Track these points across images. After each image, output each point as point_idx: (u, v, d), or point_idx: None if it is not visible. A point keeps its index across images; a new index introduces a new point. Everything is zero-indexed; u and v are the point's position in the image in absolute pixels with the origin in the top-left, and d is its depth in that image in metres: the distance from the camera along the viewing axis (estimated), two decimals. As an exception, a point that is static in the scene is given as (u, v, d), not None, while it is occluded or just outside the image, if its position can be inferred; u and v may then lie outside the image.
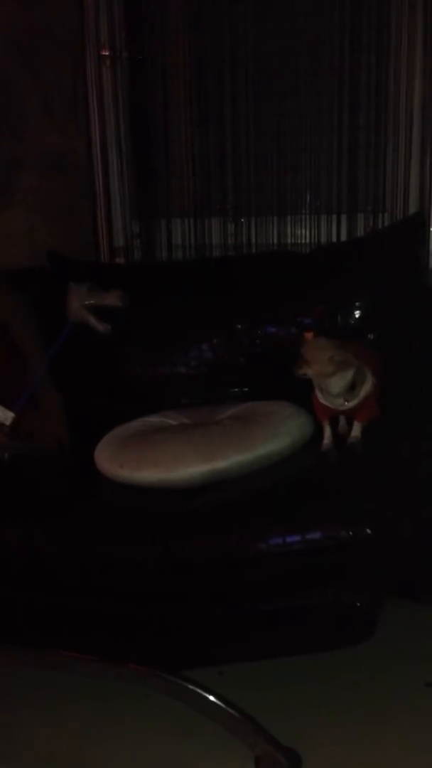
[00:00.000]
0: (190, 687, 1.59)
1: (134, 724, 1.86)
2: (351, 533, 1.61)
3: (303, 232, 2.69)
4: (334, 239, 2.65)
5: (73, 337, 2.31)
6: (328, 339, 1.93)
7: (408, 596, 2.05)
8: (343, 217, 2.64)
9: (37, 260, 2.53)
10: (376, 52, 2.50)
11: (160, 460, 1.87)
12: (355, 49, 2.52)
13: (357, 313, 2.26)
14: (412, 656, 2.03)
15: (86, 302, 2.32)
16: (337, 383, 1.88)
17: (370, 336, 2.24)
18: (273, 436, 1.94)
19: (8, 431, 1.87)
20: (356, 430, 1.93)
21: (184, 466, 1.85)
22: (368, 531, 1.61)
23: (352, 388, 1.89)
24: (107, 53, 2.69)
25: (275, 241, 2.69)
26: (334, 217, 2.65)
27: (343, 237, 2.64)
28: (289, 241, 2.69)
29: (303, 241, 2.69)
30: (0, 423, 1.88)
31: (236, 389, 2.32)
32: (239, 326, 2.34)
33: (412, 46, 2.45)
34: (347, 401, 1.90)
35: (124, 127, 2.76)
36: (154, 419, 2.15)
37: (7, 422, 1.88)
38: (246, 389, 2.31)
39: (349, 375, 1.87)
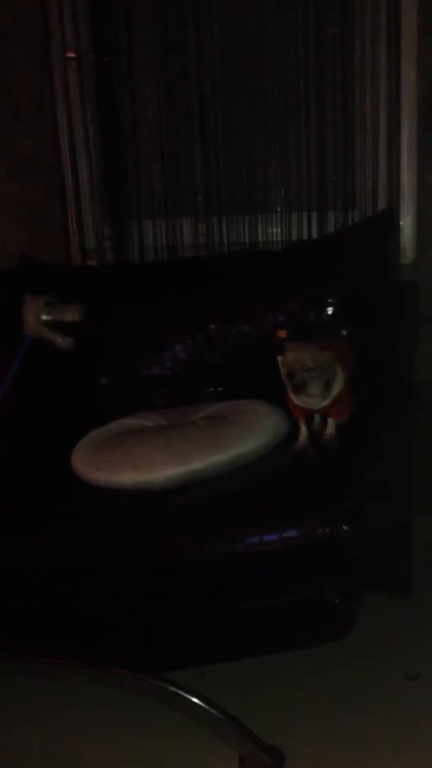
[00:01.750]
0: (173, 689, 1.60)
1: (116, 726, 1.86)
2: (327, 530, 1.62)
3: (274, 230, 2.69)
4: (305, 237, 2.65)
5: (32, 352, 2.23)
6: (301, 344, 1.93)
7: (386, 590, 2.07)
8: (314, 215, 2.64)
9: (8, 264, 2.52)
10: (341, 50, 2.51)
11: (137, 462, 1.88)
12: (320, 46, 2.53)
13: (329, 310, 2.28)
14: (392, 650, 2.05)
15: (43, 317, 2.22)
16: (319, 383, 1.88)
17: (343, 332, 2.25)
18: (249, 435, 1.95)
19: None
20: (331, 427, 1.94)
21: (161, 468, 1.85)
22: (344, 528, 1.62)
23: (326, 386, 1.90)
24: (73, 55, 2.67)
25: (247, 239, 2.69)
26: (305, 214, 2.65)
27: (314, 234, 2.64)
28: (260, 239, 2.69)
29: (274, 239, 2.69)
30: None
31: (211, 389, 2.32)
32: (213, 326, 2.35)
33: (377, 43, 2.46)
34: (324, 399, 1.91)
35: (93, 129, 2.74)
36: (130, 421, 2.15)
37: None
38: (221, 389, 2.32)
39: (324, 376, 1.88)
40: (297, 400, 1.94)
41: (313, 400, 1.91)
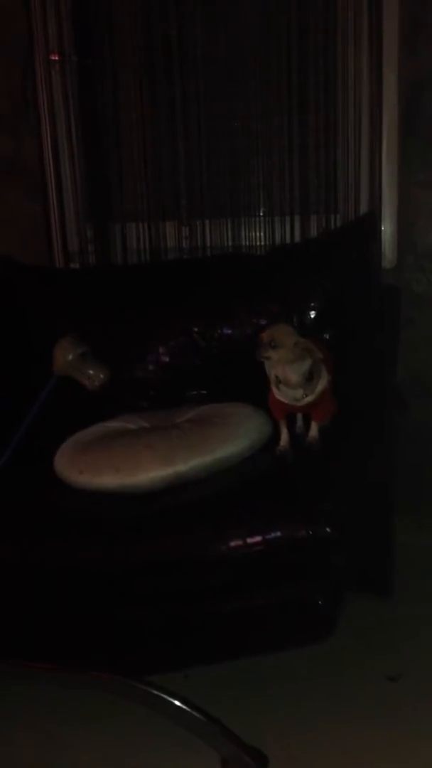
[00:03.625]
0: (154, 692, 1.58)
1: (97, 729, 1.85)
2: (310, 532, 1.63)
3: (257, 233, 2.71)
4: (288, 240, 2.66)
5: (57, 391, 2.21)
6: (282, 325, 1.95)
7: (368, 591, 2.08)
8: (296, 219, 2.65)
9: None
10: (324, 55, 2.52)
11: (121, 465, 1.87)
12: (303, 51, 2.54)
13: (312, 313, 2.28)
14: (373, 651, 2.06)
15: (71, 360, 2.23)
16: (298, 370, 1.89)
17: (326, 335, 2.26)
18: (232, 438, 1.95)
19: None
20: (313, 430, 1.95)
21: (144, 471, 1.85)
22: (327, 529, 1.63)
23: (309, 379, 1.90)
24: (56, 57, 2.67)
25: (230, 243, 2.70)
26: (288, 218, 2.66)
27: (297, 238, 2.66)
28: (243, 243, 2.70)
29: (257, 243, 2.70)
30: None
31: (194, 392, 2.33)
32: (196, 329, 2.35)
33: (359, 49, 2.48)
34: (306, 394, 1.92)
35: (76, 131, 2.74)
36: (113, 424, 2.14)
37: None
38: (204, 391, 2.32)
39: (307, 364, 1.89)
40: (279, 394, 1.94)
41: (295, 393, 1.91)
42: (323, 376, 1.93)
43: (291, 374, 1.89)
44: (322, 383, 1.92)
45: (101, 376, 2.22)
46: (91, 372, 2.23)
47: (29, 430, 2.12)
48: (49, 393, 2.17)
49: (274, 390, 1.95)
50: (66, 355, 2.22)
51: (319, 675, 1.97)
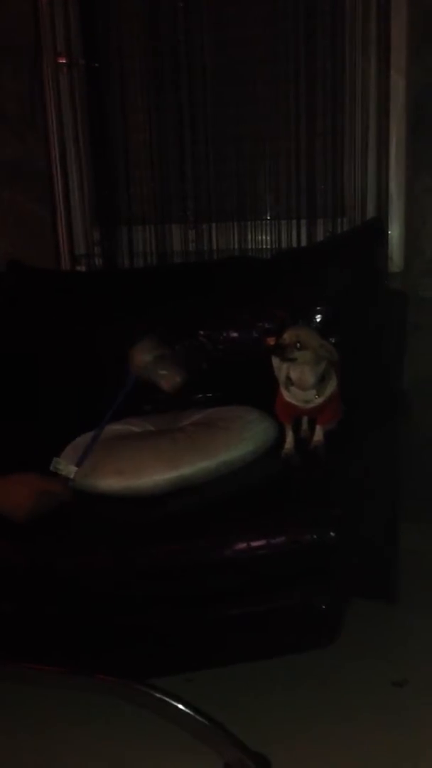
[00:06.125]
0: (158, 695, 1.58)
1: (100, 733, 1.85)
2: (315, 537, 1.62)
3: (263, 237, 2.70)
4: (295, 244, 2.66)
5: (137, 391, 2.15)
6: (301, 327, 1.95)
7: (373, 597, 2.08)
8: (303, 223, 2.65)
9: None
10: (332, 59, 2.52)
11: (125, 467, 1.87)
12: (310, 55, 2.54)
13: (318, 317, 2.28)
14: (378, 656, 2.05)
15: (148, 362, 2.18)
16: (316, 371, 1.88)
17: (332, 339, 2.24)
18: (237, 441, 1.95)
19: (71, 485, 1.86)
20: (319, 434, 1.94)
21: (149, 474, 1.85)
22: (332, 534, 1.62)
23: (321, 380, 1.90)
24: (64, 61, 2.68)
25: (236, 246, 2.70)
26: (294, 222, 2.66)
27: (303, 242, 2.65)
28: (249, 246, 2.70)
29: (264, 247, 2.70)
30: (65, 476, 1.87)
31: (200, 395, 2.32)
32: (201, 332, 2.35)
33: (366, 53, 2.48)
34: (318, 395, 1.91)
35: (83, 135, 2.75)
36: (117, 426, 2.14)
37: (72, 476, 1.87)
38: (209, 395, 2.32)
39: (323, 366, 1.89)
40: (289, 396, 1.93)
41: (307, 394, 1.91)
42: (333, 378, 1.92)
43: (309, 376, 1.89)
44: (331, 386, 1.92)
45: (177, 378, 2.18)
46: (166, 373, 2.18)
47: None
48: (127, 394, 2.11)
49: (284, 392, 1.94)
50: (144, 357, 2.18)
51: (324, 680, 1.97)
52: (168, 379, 2.16)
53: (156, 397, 2.34)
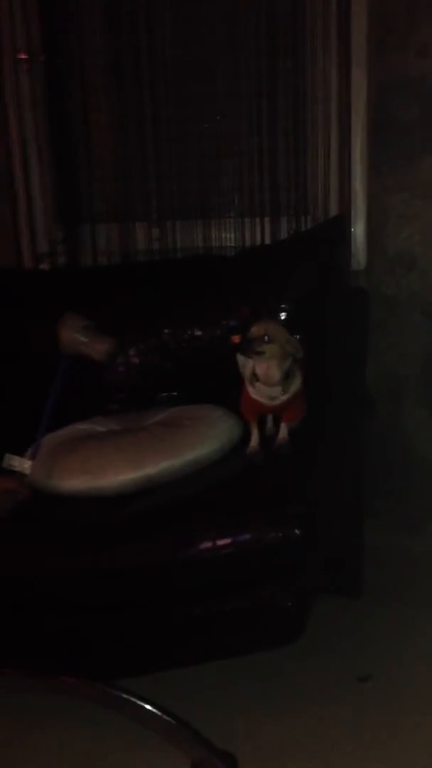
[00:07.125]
0: (124, 696, 1.58)
1: (65, 735, 1.83)
2: (280, 535, 1.63)
3: (227, 235, 2.70)
4: (258, 242, 2.67)
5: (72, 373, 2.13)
6: (269, 321, 1.95)
7: (337, 593, 2.09)
8: (267, 220, 2.65)
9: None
10: (293, 57, 2.53)
11: (90, 467, 1.86)
12: (271, 53, 2.54)
13: (282, 315, 2.28)
14: (343, 652, 2.07)
15: (80, 338, 2.16)
16: (282, 367, 1.89)
17: (296, 337, 2.26)
18: (202, 440, 1.95)
19: (25, 480, 1.84)
20: (283, 432, 1.95)
21: (113, 474, 1.84)
22: (297, 532, 1.63)
23: (286, 377, 1.90)
24: (24, 57, 2.65)
25: (200, 244, 2.69)
26: (258, 220, 2.66)
27: (267, 240, 2.66)
28: (213, 244, 2.70)
29: (228, 245, 2.70)
30: (19, 473, 1.85)
31: (164, 393, 2.32)
32: (166, 331, 2.35)
33: (327, 51, 2.48)
34: (283, 392, 1.91)
35: (44, 131, 2.72)
36: (83, 426, 2.13)
37: (27, 471, 1.84)
38: (174, 393, 2.31)
39: (289, 362, 1.90)
40: (254, 392, 1.93)
41: (272, 390, 1.91)
42: (298, 376, 1.93)
43: (275, 371, 1.89)
44: (296, 383, 1.93)
45: (107, 346, 2.17)
46: (97, 344, 2.17)
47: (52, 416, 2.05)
48: (64, 374, 2.10)
49: (249, 389, 1.94)
50: (71, 331, 2.16)
51: (289, 677, 1.98)
52: (98, 348, 2.16)
53: (121, 397, 2.34)
